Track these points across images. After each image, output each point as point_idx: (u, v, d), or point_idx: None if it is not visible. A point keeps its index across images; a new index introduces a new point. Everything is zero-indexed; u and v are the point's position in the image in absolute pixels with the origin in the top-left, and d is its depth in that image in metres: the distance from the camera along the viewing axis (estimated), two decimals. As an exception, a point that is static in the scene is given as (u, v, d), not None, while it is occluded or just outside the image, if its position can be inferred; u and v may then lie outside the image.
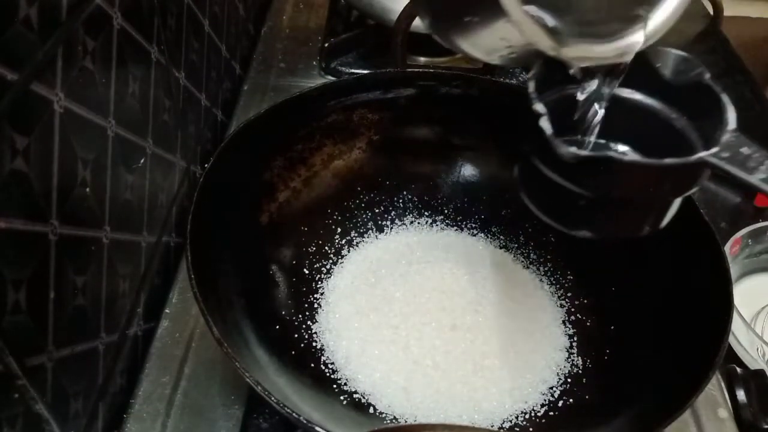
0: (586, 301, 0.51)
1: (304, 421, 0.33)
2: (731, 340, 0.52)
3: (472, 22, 0.31)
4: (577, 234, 0.35)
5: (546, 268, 0.53)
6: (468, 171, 0.57)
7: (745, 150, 0.29)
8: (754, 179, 0.28)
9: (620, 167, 0.29)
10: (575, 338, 0.49)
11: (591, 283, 0.51)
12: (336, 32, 0.79)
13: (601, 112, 0.34)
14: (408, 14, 0.64)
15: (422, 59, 0.75)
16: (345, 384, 0.45)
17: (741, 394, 0.47)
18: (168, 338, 0.49)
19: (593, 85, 0.33)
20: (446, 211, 0.57)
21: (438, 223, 0.56)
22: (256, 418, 0.45)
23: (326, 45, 0.76)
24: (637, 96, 0.35)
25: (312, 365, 0.46)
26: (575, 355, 0.48)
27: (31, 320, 0.33)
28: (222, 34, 0.66)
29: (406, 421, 0.43)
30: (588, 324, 0.50)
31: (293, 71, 0.75)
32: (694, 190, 0.32)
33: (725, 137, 0.30)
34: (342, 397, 0.44)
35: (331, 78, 0.73)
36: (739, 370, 0.48)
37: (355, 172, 0.56)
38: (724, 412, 0.46)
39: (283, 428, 0.44)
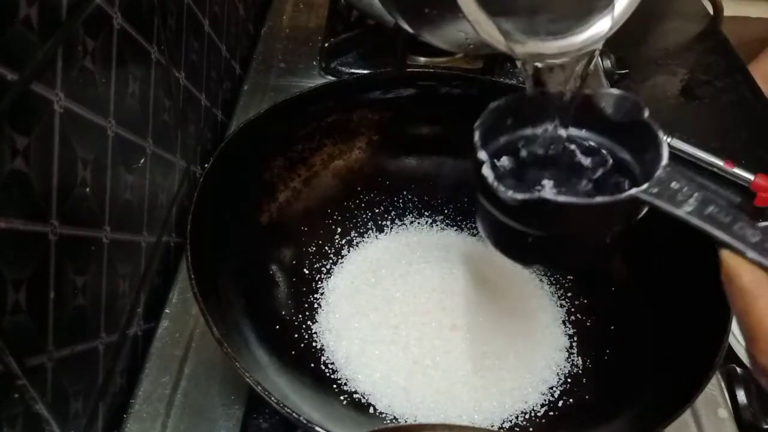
0: (586, 301, 0.51)
1: (304, 421, 0.33)
2: (731, 340, 0.51)
3: (432, 14, 0.32)
4: (532, 267, 0.37)
5: (546, 268, 0.53)
6: (468, 171, 0.57)
7: (674, 185, 0.31)
8: (681, 212, 0.30)
9: (555, 207, 0.31)
10: (575, 338, 0.49)
11: (591, 283, 0.51)
12: (336, 32, 0.79)
13: (548, 151, 0.37)
14: (408, 14, 0.64)
15: (422, 59, 0.75)
16: (345, 384, 0.45)
17: (741, 394, 0.47)
18: (168, 338, 0.49)
19: (545, 127, 0.36)
20: (446, 211, 0.57)
21: (438, 223, 0.56)
22: (256, 418, 0.45)
23: (326, 45, 0.76)
24: (584, 134, 0.38)
25: (312, 365, 0.46)
26: (575, 355, 0.48)
27: (31, 320, 0.33)
28: (222, 34, 0.66)
29: (406, 421, 0.43)
30: (588, 324, 0.49)
31: (293, 71, 0.75)
32: (633, 222, 0.34)
33: (658, 173, 0.32)
34: (342, 397, 0.44)
35: (331, 78, 0.73)
36: (739, 370, 0.48)
37: (355, 172, 0.56)
38: (724, 412, 0.46)
39: (283, 428, 0.44)
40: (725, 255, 0.29)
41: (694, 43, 0.91)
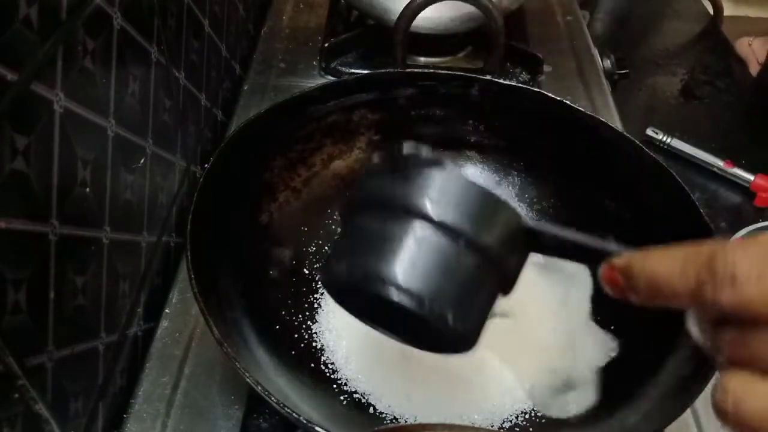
0: (586, 301, 0.51)
1: (304, 421, 0.33)
2: (731, 340, 0.51)
3: None
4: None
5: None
6: (468, 170, 0.57)
7: None
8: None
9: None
10: (575, 338, 0.49)
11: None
12: (336, 32, 0.79)
13: None
14: (408, 14, 0.64)
15: (422, 59, 0.75)
16: (345, 384, 0.45)
17: (741, 394, 0.47)
18: (168, 338, 0.49)
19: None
20: (446, 211, 0.57)
21: (438, 223, 0.56)
22: (256, 418, 0.45)
23: (326, 45, 0.76)
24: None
25: (312, 365, 0.46)
26: (575, 355, 0.48)
27: (31, 320, 0.33)
28: (222, 34, 0.66)
29: (406, 421, 0.43)
30: (588, 324, 0.49)
31: (293, 71, 0.75)
32: None
33: None
34: (342, 397, 0.44)
35: (331, 78, 0.73)
36: (739, 370, 0.48)
37: (355, 172, 0.55)
38: (724, 412, 0.46)
39: (283, 428, 0.44)
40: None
41: (694, 43, 0.91)
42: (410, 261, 0.27)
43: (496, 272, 0.29)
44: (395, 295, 0.26)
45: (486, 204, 0.28)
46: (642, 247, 0.25)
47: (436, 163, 0.28)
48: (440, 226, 0.27)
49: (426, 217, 0.27)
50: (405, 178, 0.28)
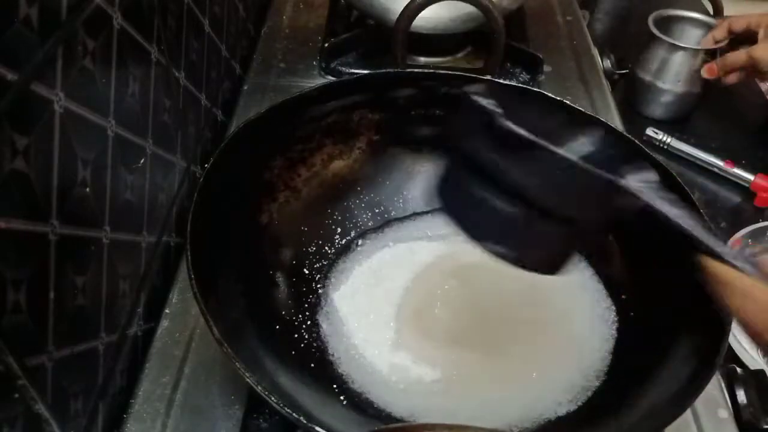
0: (586, 301, 0.51)
1: (304, 421, 0.33)
2: (731, 340, 0.52)
3: None
4: (492, 250, 0.38)
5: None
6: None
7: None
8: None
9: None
10: (575, 338, 0.49)
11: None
12: (336, 32, 0.79)
13: None
14: (408, 14, 0.64)
15: (422, 59, 0.75)
16: (345, 384, 0.45)
17: (741, 394, 0.47)
18: (168, 338, 0.49)
19: None
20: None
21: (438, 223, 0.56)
22: (256, 418, 0.45)
23: (326, 45, 0.76)
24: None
25: (312, 365, 0.46)
26: (575, 355, 0.48)
27: (31, 320, 0.33)
28: (222, 34, 0.66)
29: (406, 421, 0.43)
30: (588, 324, 0.49)
31: (293, 71, 0.75)
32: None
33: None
34: (342, 397, 0.44)
35: (331, 78, 0.73)
36: (739, 370, 0.48)
37: (355, 172, 0.55)
38: (724, 412, 0.46)
39: (283, 428, 0.44)
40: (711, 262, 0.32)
41: (694, 43, 0.90)
42: None
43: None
44: None
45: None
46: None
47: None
48: None
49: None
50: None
